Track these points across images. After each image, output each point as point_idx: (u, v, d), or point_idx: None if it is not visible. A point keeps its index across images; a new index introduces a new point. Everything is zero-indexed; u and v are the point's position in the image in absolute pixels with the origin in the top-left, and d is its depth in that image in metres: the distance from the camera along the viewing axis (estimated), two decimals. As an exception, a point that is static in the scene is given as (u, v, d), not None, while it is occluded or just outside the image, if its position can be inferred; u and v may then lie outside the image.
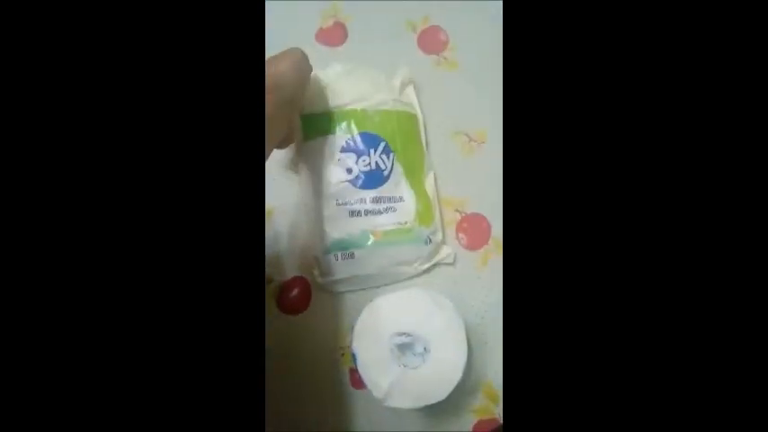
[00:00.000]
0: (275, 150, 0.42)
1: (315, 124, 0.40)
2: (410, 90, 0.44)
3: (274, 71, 0.30)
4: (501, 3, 0.42)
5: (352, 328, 0.36)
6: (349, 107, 0.40)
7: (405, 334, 0.35)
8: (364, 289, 0.41)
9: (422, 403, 0.34)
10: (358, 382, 0.39)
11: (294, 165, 0.43)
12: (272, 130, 0.31)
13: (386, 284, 0.41)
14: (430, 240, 0.40)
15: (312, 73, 0.40)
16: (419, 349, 0.35)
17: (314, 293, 0.41)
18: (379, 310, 0.36)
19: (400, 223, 0.40)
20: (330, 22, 0.47)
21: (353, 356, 0.35)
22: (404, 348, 0.35)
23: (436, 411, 0.38)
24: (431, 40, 0.47)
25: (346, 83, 0.41)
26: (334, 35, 0.47)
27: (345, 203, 0.39)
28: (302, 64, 0.33)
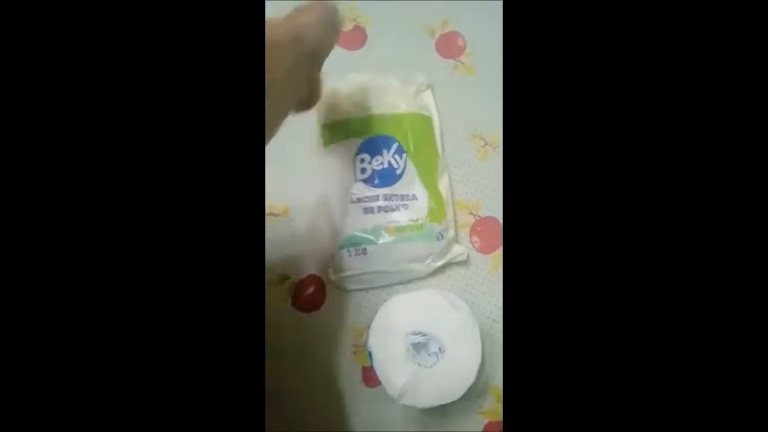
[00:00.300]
0: (291, 152, 0.43)
1: (334, 132, 0.42)
2: (427, 94, 0.45)
3: (296, 23, 0.28)
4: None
5: (368, 325, 0.36)
6: (365, 114, 0.42)
7: (420, 333, 0.35)
8: (377, 288, 0.42)
9: (436, 402, 0.34)
10: (371, 380, 0.39)
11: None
12: (290, 84, 0.29)
13: (398, 283, 0.42)
14: (442, 236, 0.41)
15: (331, 85, 0.42)
16: (434, 349, 0.36)
17: (328, 292, 0.42)
18: (396, 309, 0.36)
19: (412, 220, 0.41)
20: (350, 26, 0.48)
21: (369, 354, 0.36)
22: (419, 347, 0.36)
23: (446, 413, 0.38)
24: (448, 45, 0.48)
25: (362, 92, 0.43)
26: (354, 38, 0.47)
27: (359, 201, 0.41)
28: (330, 16, 0.31)
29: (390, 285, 0.42)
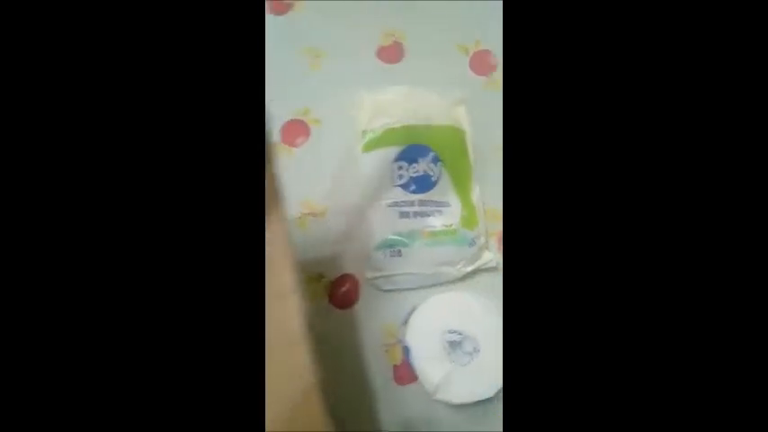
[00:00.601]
0: (332, 156, 0.46)
1: (374, 139, 0.45)
2: (461, 108, 0.48)
3: None
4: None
5: (406, 322, 0.38)
6: (403, 123, 0.45)
7: (456, 332, 0.37)
8: (409, 289, 0.43)
9: (469, 399, 0.36)
10: (402, 378, 0.41)
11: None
12: None
13: (430, 286, 0.43)
14: (473, 242, 0.43)
15: (373, 95, 0.44)
16: (468, 348, 0.37)
17: (362, 290, 0.43)
18: (433, 308, 0.38)
19: (446, 225, 0.43)
20: (390, 41, 0.51)
21: (407, 349, 0.37)
22: (454, 346, 0.37)
23: (474, 413, 0.39)
24: (481, 63, 0.50)
25: (401, 103, 0.45)
26: (393, 53, 0.50)
27: (396, 205, 0.43)
28: None
29: (422, 288, 0.43)
